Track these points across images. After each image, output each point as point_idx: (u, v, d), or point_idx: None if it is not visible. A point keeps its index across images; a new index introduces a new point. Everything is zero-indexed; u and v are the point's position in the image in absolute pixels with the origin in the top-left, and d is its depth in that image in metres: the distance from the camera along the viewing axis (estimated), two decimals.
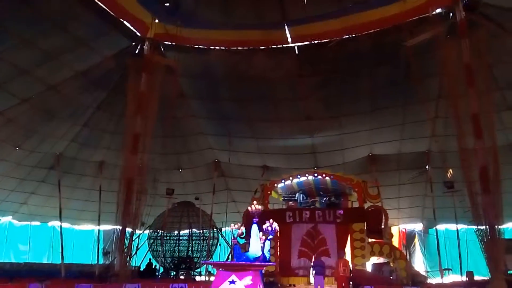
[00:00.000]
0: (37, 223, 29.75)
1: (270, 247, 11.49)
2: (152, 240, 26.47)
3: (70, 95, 21.37)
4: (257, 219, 11.63)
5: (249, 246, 11.55)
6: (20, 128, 21.95)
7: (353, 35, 19.13)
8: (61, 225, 26.28)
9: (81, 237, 31.38)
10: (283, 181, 23.38)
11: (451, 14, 17.27)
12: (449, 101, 17.55)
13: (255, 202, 12.00)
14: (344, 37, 19.20)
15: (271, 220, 12.00)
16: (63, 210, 25.86)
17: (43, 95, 20.42)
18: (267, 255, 11.39)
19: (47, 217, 28.86)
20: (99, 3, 17.45)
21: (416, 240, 29.08)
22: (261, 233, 11.48)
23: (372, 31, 18.70)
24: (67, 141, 24.55)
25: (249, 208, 11.65)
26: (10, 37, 16.84)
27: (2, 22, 16.14)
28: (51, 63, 18.94)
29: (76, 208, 28.67)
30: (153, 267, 25.72)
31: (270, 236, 11.64)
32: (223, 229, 27.61)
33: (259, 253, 11.11)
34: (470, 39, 16.39)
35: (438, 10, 17.48)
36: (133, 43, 20.31)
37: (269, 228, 11.65)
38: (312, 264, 19.20)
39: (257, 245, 11.24)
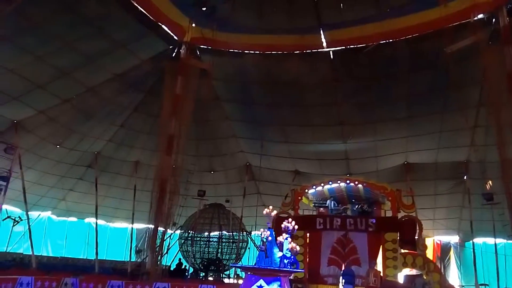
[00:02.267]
0: (74, 219, 30.79)
1: (289, 248, 11.31)
2: (182, 240, 26.82)
3: (108, 97, 22.07)
4: (290, 235, 11.53)
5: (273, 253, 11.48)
6: (61, 127, 22.86)
7: (390, 40, 18.74)
8: (96, 222, 27.09)
9: (115, 234, 32.20)
10: (314, 187, 23.11)
11: (494, 20, 16.66)
12: (490, 110, 16.93)
13: (271, 207, 11.84)
14: (381, 42, 18.84)
15: (289, 219, 11.90)
16: (99, 207, 26.68)
17: (82, 96, 21.22)
18: (287, 254, 11.23)
19: (84, 213, 29.84)
20: (138, 7, 17.94)
21: (452, 253, 28.06)
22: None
23: (410, 36, 18.26)
24: (105, 140, 25.36)
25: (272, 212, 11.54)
26: (52, 40, 17.57)
27: (46, 26, 16.87)
28: (91, 66, 19.63)
29: (111, 206, 29.47)
30: (183, 267, 26.04)
31: (287, 236, 11.50)
32: (253, 232, 27.62)
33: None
34: None
35: (480, 16, 16.87)
36: (170, 47, 20.75)
37: (289, 227, 11.55)
38: (341, 272, 18.88)
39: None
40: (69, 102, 21.26)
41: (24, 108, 20.40)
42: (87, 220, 30.41)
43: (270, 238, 11.23)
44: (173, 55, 20.95)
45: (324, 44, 19.72)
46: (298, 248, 11.81)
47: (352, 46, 19.49)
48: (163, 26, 19.48)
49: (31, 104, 20.43)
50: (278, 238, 11.25)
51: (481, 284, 22.45)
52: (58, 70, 19.10)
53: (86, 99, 21.47)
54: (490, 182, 21.01)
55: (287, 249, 11.25)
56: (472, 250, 23.48)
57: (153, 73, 21.38)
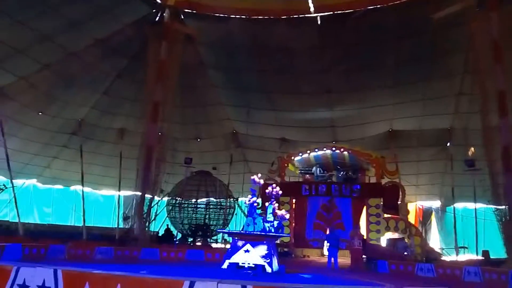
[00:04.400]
0: (60, 186, 30.66)
1: (274, 211, 11.57)
2: (170, 207, 27.06)
3: (90, 62, 21.54)
4: (273, 200, 11.72)
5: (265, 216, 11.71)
6: (43, 94, 22.38)
7: (378, 6, 18.51)
8: (82, 189, 27.03)
9: (103, 201, 32.26)
10: (300, 154, 23.41)
11: None
12: (475, 77, 17.04)
13: (259, 175, 11.99)
14: (369, 8, 18.60)
15: (273, 185, 12.10)
16: (85, 175, 26.55)
17: (64, 61, 20.65)
18: (270, 218, 11.48)
19: (70, 181, 29.69)
20: None
21: (433, 218, 28.94)
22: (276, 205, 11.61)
23: (398, 2, 18.02)
24: (88, 107, 24.97)
25: (257, 179, 11.68)
26: (34, 4, 16.89)
27: None
28: (72, 30, 19.03)
29: (97, 174, 29.34)
30: (171, 233, 26.38)
31: (271, 201, 11.73)
32: (240, 199, 27.97)
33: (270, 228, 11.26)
34: (500, 12, 15.67)
35: None
36: (153, 10, 20.15)
37: (273, 193, 11.75)
38: (326, 236, 19.39)
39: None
40: (50, 67, 20.69)
41: (4, 74, 19.80)
42: (73, 187, 30.31)
43: (254, 203, 11.41)
44: (157, 19, 20.35)
45: (312, 9, 19.37)
46: (287, 216, 12.05)
47: (340, 12, 19.20)
48: None
49: (12, 70, 19.84)
50: (265, 204, 11.47)
51: (461, 247, 23.33)
52: (39, 34, 18.49)
53: (67, 64, 20.91)
54: (472, 148, 21.45)
55: (270, 213, 11.48)
56: (453, 214, 24.22)
57: (136, 38, 20.82)
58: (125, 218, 25.34)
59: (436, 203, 28.73)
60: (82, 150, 25.93)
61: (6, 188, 23.97)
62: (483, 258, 19.95)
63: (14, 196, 22.62)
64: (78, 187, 28.76)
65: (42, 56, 19.85)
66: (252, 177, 11.86)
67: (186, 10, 20.45)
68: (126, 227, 23.11)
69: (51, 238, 18.54)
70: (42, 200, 30.42)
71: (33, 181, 29.21)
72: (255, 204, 11.73)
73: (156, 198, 21.86)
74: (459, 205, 26.03)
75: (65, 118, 24.86)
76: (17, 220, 22.91)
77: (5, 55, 18.73)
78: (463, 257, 22.65)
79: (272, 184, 12.89)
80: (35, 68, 20.30)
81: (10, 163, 21.94)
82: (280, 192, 12.05)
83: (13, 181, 22.95)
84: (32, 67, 20.18)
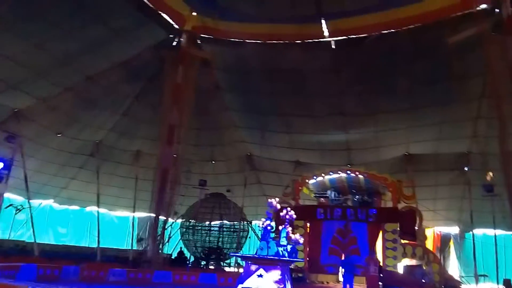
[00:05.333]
0: (76, 207, 30.95)
1: (287, 235, 11.42)
2: (184, 229, 27.00)
3: (108, 86, 22.03)
4: (287, 224, 11.61)
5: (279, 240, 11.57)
6: (62, 116, 22.89)
7: (393, 30, 18.61)
8: (98, 211, 27.23)
9: (117, 223, 32.38)
10: (315, 177, 23.22)
11: (496, 10, 16.45)
12: (493, 101, 16.83)
13: (277, 199, 11.90)
14: (383, 32, 18.71)
15: (288, 208, 11.98)
16: (100, 196, 26.80)
17: (83, 85, 21.14)
18: (284, 242, 11.30)
19: (86, 202, 29.96)
20: None
21: (451, 244, 28.16)
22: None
23: (413, 26, 18.10)
24: (106, 130, 25.42)
25: (274, 203, 11.60)
26: (54, 28, 17.41)
27: (45, 13, 16.70)
28: (90, 54, 19.55)
29: (113, 195, 29.58)
30: (184, 256, 26.24)
31: (285, 225, 11.58)
32: (253, 222, 27.76)
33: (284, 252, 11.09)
34: None
35: (483, 6, 16.68)
36: (171, 35, 20.63)
37: (286, 216, 11.61)
38: (341, 262, 19.03)
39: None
40: (70, 90, 21.21)
41: (25, 96, 20.38)
42: (88, 208, 30.55)
43: (268, 226, 11.29)
44: (174, 44, 20.83)
45: (326, 34, 19.58)
46: (301, 240, 11.88)
47: (354, 36, 19.36)
48: (163, 14, 19.35)
49: (32, 92, 20.40)
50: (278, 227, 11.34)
51: (481, 275, 22.56)
52: (58, 58, 19.01)
53: (86, 88, 21.43)
54: (490, 173, 21.00)
55: (284, 237, 11.33)
56: (472, 241, 23.55)
57: (154, 62, 21.30)
58: (139, 240, 25.40)
59: (454, 229, 28.00)
60: (99, 172, 26.27)
61: (23, 208, 24.31)
62: (504, 287, 19.28)
63: (31, 217, 22.89)
64: (93, 208, 29.00)
65: (62, 79, 20.38)
66: (269, 200, 11.79)
67: (202, 35, 20.89)
68: (140, 249, 23.14)
69: (66, 259, 18.67)
70: (58, 221, 30.69)
71: (50, 201, 29.57)
72: (269, 228, 11.61)
73: (170, 220, 21.89)
74: (478, 231, 25.30)
75: (83, 139, 25.32)
76: (33, 241, 23.13)
77: (25, 78, 19.27)
78: (483, 285, 21.91)
79: (286, 207, 12.77)
80: (55, 91, 20.83)
81: (28, 183, 22.32)
82: (294, 216, 11.93)
83: (30, 201, 23.28)
84: (52, 90, 20.72)
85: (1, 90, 19.36)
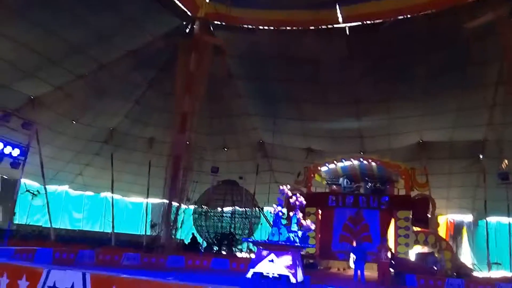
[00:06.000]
0: (91, 193, 31.45)
1: (299, 221, 11.51)
2: (196, 216, 27.28)
3: (122, 73, 22.18)
4: (298, 210, 11.66)
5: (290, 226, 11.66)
6: (77, 103, 23.13)
7: (408, 16, 18.29)
8: (112, 196, 27.64)
9: (131, 208, 32.86)
10: (327, 164, 23.19)
11: None
12: (509, 88, 16.51)
13: (288, 186, 11.96)
14: (399, 18, 18.40)
15: (297, 194, 12.03)
16: (115, 182, 27.16)
17: (97, 72, 21.30)
18: (295, 228, 11.39)
19: (100, 188, 30.42)
20: None
21: (464, 232, 27.98)
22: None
23: (429, 12, 17.76)
24: (120, 117, 25.66)
25: (286, 190, 11.66)
26: (67, 15, 17.48)
27: (63, 1, 16.81)
28: (104, 42, 19.66)
29: (127, 181, 29.96)
30: (197, 241, 26.55)
31: (295, 212, 11.65)
32: (265, 209, 27.91)
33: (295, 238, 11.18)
34: None
35: None
36: (184, 23, 20.58)
37: (296, 203, 11.66)
38: (353, 249, 19.07)
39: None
40: (84, 78, 21.40)
41: (40, 83, 20.63)
42: (103, 194, 31.03)
43: (280, 213, 11.37)
44: (187, 31, 20.80)
45: (340, 20, 19.33)
46: (313, 226, 11.95)
47: (369, 22, 19.08)
48: (176, 1, 19.29)
49: (47, 80, 20.64)
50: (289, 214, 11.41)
51: (494, 263, 22.41)
52: (72, 46, 19.16)
53: (100, 75, 21.59)
54: (506, 161, 20.72)
55: (295, 223, 11.41)
56: (485, 229, 23.35)
57: (167, 49, 21.31)
58: (153, 226, 25.75)
59: (468, 217, 27.79)
60: (113, 158, 26.60)
61: (40, 194, 24.79)
62: None
63: (47, 202, 23.35)
64: (108, 194, 29.44)
65: (76, 67, 20.58)
66: (281, 187, 11.86)
67: (215, 22, 20.81)
68: (154, 234, 23.48)
69: (81, 244, 19.03)
70: (74, 206, 31.25)
71: (66, 187, 30.09)
72: (280, 214, 11.69)
73: (183, 206, 22.12)
74: (492, 219, 25.06)
75: (97, 127, 25.62)
76: (49, 226, 23.63)
77: (39, 66, 19.48)
78: (496, 273, 21.76)
79: (296, 193, 12.82)
80: (69, 78, 21.03)
81: (44, 170, 22.70)
82: (304, 202, 11.98)
83: (46, 187, 23.73)
84: (67, 77, 20.92)
85: (17, 77, 19.62)
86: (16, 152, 17.50)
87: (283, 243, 10.85)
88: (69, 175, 28.97)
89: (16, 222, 21.82)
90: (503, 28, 15.72)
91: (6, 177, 21.10)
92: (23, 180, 21.24)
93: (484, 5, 16.12)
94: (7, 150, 17.17)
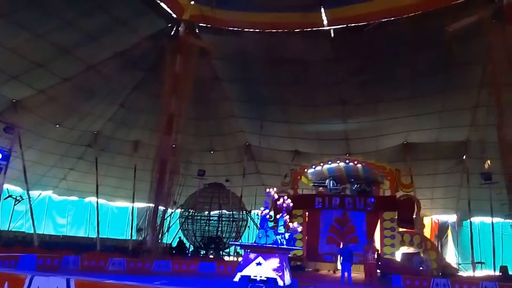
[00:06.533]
0: (75, 198, 31.00)
1: (285, 223, 11.53)
2: (183, 219, 27.11)
3: (108, 75, 21.86)
4: (284, 212, 11.67)
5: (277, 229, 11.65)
6: (61, 106, 22.74)
7: (392, 19, 18.45)
8: (97, 201, 27.28)
9: (116, 213, 32.48)
10: (313, 166, 23.32)
11: None
12: (492, 90, 16.81)
13: (275, 189, 11.98)
14: (383, 20, 18.56)
15: (285, 197, 12.06)
16: (99, 186, 26.83)
17: (82, 75, 21.02)
18: (282, 230, 11.40)
19: (85, 192, 30.01)
20: None
21: (449, 232, 28.40)
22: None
23: (413, 14, 17.96)
24: (105, 120, 25.32)
25: (272, 193, 11.69)
26: (53, 18, 17.29)
27: (47, 3, 16.60)
28: (90, 44, 19.38)
29: (112, 185, 29.65)
30: (184, 245, 26.38)
31: (282, 214, 11.67)
32: (252, 211, 27.88)
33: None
34: None
35: None
36: (169, 25, 20.47)
37: (283, 205, 11.69)
38: (340, 250, 19.17)
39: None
40: (69, 80, 21.06)
41: (24, 87, 20.24)
42: (88, 199, 30.62)
43: (267, 215, 11.36)
44: (172, 33, 20.68)
45: (325, 22, 19.43)
46: (299, 228, 11.97)
47: (353, 25, 19.21)
48: (161, 3, 19.18)
49: (31, 83, 20.25)
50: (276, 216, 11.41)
51: (478, 262, 22.77)
52: (58, 48, 18.88)
53: (86, 77, 21.25)
54: (489, 161, 21.07)
55: (282, 225, 11.42)
56: (469, 229, 23.72)
57: (152, 51, 21.15)
58: (139, 230, 25.51)
59: (452, 217, 28.21)
60: (97, 162, 26.26)
61: (23, 199, 24.33)
62: (501, 274, 19.46)
63: (30, 207, 22.93)
64: (92, 199, 29.05)
65: (61, 70, 20.24)
66: (267, 190, 11.86)
67: (201, 24, 20.74)
68: (140, 238, 23.25)
69: (65, 249, 18.73)
70: (58, 211, 30.77)
71: (49, 192, 29.60)
72: (268, 217, 11.67)
73: (169, 210, 21.94)
74: (476, 219, 25.50)
75: (81, 130, 25.26)
76: (32, 231, 23.20)
77: (25, 69, 19.14)
78: (480, 272, 22.10)
79: (283, 196, 12.83)
80: (54, 81, 20.70)
81: (27, 174, 22.30)
82: (291, 204, 11.99)
83: (30, 192, 23.30)
84: (51, 80, 20.57)
85: (2, 81, 19.25)
86: None
87: (270, 245, 10.83)
88: (53, 180, 28.52)
89: None
90: (486, 30, 15.97)
91: None
92: (5, 186, 20.85)
93: (468, 7, 16.35)
94: None
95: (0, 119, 20.37)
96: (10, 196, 24.24)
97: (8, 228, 25.38)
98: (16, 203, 24.75)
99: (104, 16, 18.20)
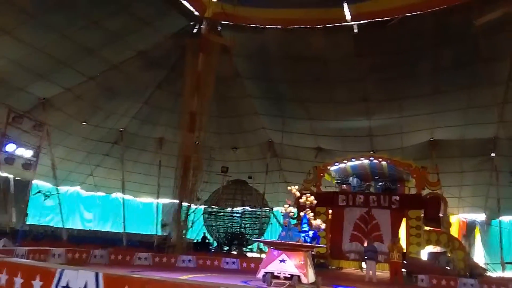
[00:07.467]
0: (102, 193, 31.68)
1: (309, 221, 11.55)
2: (206, 215, 27.36)
3: (132, 74, 22.29)
4: (308, 210, 11.68)
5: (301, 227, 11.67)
6: (87, 104, 23.35)
7: (417, 13, 18.10)
8: (123, 197, 27.82)
9: (142, 208, 33.00)
10: (336, 164, 23.07)
11: None
12: None
13: (297, 186, 11.99)
14: (407, 15, 18.22)
15: (308, 194, 12.06)
16: (125, 182, 27.36)
17: (107, 73, 21.48)
18: (305, 228, 11.42)
19: (111, 188, 30.64)
20: None
21: (477, 231, 27.67)
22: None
23: (438, 8, 17.56)
24: (129, 117, 25.79)
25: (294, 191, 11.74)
26: (79, 19, 17.82)
27: (73, 4, 17.06)
28: (115, 43, 19.81)
29: (137, 181, 30.15)
30: (207, 241, 26.64)
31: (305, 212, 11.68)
32: (275, 208, 27.89)
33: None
34: None
35: None
36: (191, 23, 20.64)
37: (306, 202, 11.71)
38: (364, 248, 18.97)
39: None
40: (94, 79, 21.58)
41: (52, 86, 20.88)
42: (114, 195, 31.23)
43: (290, 213, 11.37)
44: (194, 31, 20.85)
45: (348, 18, 19.20)
46: (323, 226, 11.94)
47: (377, 20, 18.92)
48: (184, 2, 19.35)
49: (58, 82, 20.88)
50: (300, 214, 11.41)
51: (507, 263, 22.15)
52: (84, 48, 19.40)
53: (110, 76, 21.76)
54: None
55: (305, 223, 11.39)
56: (498, 228, 23.08)
57: (175, 50, 21.41)
58: (163, 225, 25.91)
59: (480, 216, 27.47)
60: (123, 159, 26.78)
61: (52, 194, 25.03)
62: None
63: (59, 203, 23.58)
64: (119, 195, 29.64)
65: (86, 69, 20.77)
66: (289, 188, 11.88)
67: (222, 22, 20.83)
68: (164, 234, 23.61)
69: (93, 244, 19.18)
70: (85, 207, 31.49)
71: (77, 188, 30.35)
72: (291, 214, 11.67)
73: (193, 206, 22.19)
74: (505, 218, 24.78)
75: (107, 127, 25.81)
76: (61, 226, 23.87)
77: (52, 68, 19.74)
78: (510, 273, 21.50)
79: (306, 193, 12.81)
80: (80, 80, 21.24)
81: (56, 170, 22.96)
82: (315, 201, 11.94)
83: (58, 188, 23.96)
84: (77, 79, 21.13)
85: (29, 79, 19.87)
86: (28, 153, 17.73)
87: (294, 242, 10.83)
88: (80, 176, 29.22)
89: (28, 222, 22.07)
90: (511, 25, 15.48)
91: (18, 178, 21.34)
92: (35, 181, 21.52)
93: (494, 1, 15.87)
94: (19, 151, 17.40)
95: (29, 117, 21.03)
96: (39, 191, 24.96)
97: (38, 223, 26.18)
98: (45, 198, 25.48)
99: (127, 16, 18.58)
